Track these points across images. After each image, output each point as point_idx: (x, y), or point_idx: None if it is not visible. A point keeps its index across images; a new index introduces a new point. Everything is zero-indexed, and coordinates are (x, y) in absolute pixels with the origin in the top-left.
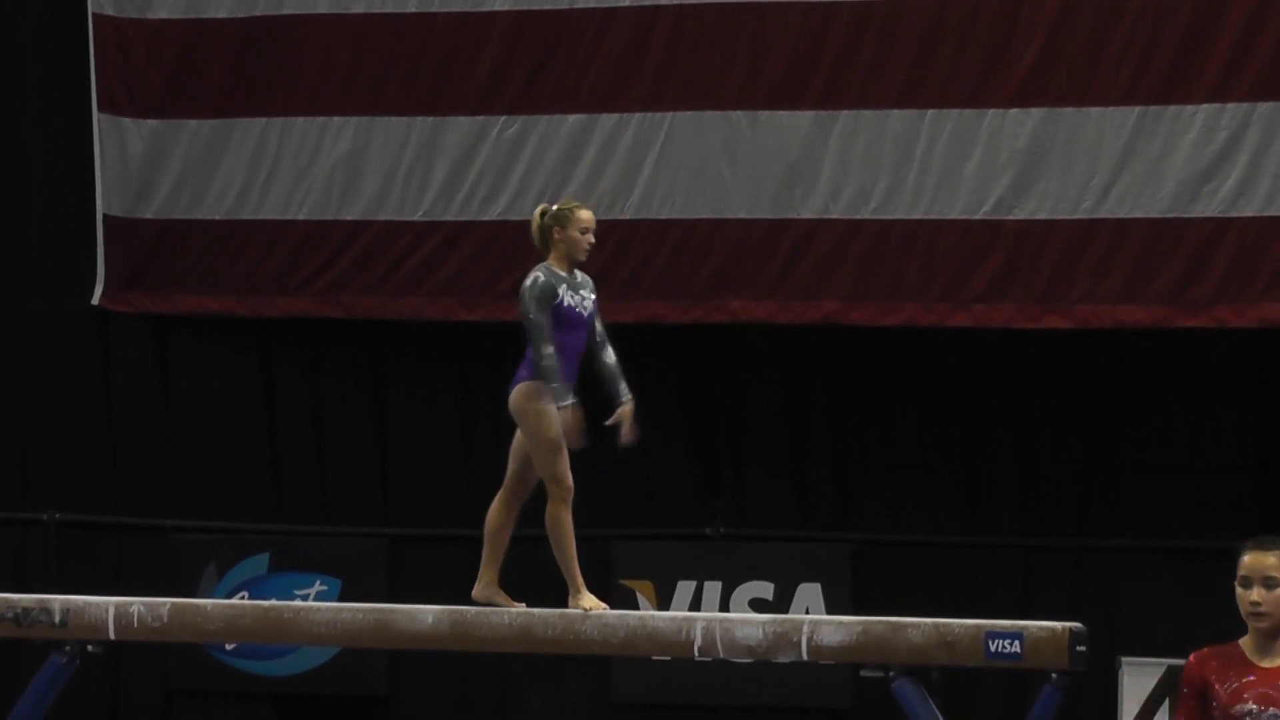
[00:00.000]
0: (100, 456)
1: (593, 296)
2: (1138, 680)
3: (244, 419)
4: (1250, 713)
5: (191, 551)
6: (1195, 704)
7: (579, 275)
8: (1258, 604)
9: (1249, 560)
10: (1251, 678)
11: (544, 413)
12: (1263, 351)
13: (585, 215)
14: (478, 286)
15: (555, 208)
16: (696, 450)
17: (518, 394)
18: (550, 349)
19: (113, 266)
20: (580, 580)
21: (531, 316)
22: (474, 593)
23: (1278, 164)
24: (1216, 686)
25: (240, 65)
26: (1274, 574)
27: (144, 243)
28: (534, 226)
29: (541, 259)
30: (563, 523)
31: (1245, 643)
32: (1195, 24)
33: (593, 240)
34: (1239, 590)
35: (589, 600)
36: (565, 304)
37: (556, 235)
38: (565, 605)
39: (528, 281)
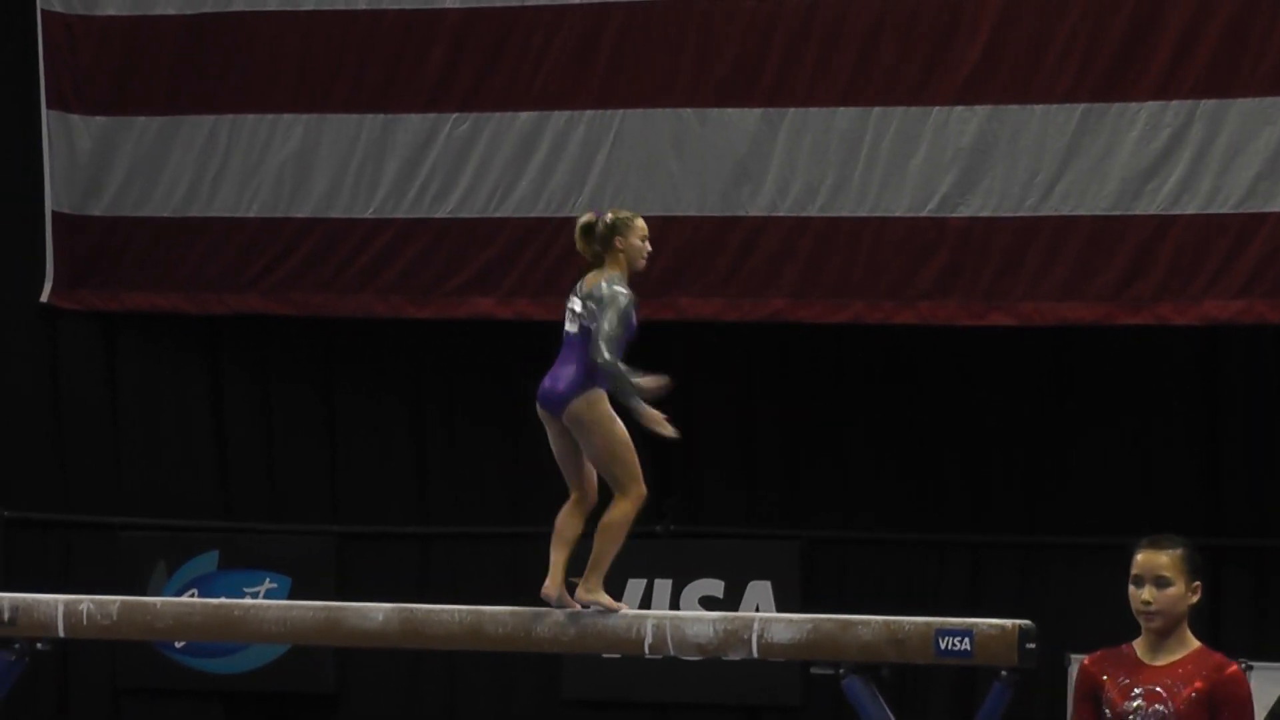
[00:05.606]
0: (48, 454)
1: None
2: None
3: (193, 416)
4: (1138, 709)
5: (140, 549)
6: (1089, 706)
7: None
8: (1149, 603)
9: (1142, 559)
10: (1141, 676)
11: (614, 418)
12: (1211, 349)
13: (642, 223)
14: (428, 284)
15: (612, 217)
16: (646, 448)
17: (583, 403)
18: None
19: (61, 263)
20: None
21: (617, 328)
22: (544, 590)
23: (1220, 161)
24: (1108, 686)
25: (188, 62)
26: (1166, 573)
27: (92, 240)
28: (581, 233)
29: (595, 266)
30: (628, 525)
31: (1138, 644)
32: (1138, 21)
33: (650, 249)
34: (1131, 589)
35: (606, 598)
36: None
37: (619, 244)
38: (512, 604)
39: (621, 290)
